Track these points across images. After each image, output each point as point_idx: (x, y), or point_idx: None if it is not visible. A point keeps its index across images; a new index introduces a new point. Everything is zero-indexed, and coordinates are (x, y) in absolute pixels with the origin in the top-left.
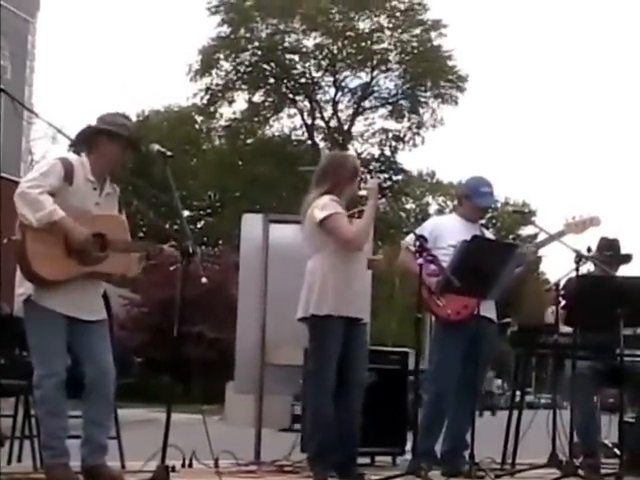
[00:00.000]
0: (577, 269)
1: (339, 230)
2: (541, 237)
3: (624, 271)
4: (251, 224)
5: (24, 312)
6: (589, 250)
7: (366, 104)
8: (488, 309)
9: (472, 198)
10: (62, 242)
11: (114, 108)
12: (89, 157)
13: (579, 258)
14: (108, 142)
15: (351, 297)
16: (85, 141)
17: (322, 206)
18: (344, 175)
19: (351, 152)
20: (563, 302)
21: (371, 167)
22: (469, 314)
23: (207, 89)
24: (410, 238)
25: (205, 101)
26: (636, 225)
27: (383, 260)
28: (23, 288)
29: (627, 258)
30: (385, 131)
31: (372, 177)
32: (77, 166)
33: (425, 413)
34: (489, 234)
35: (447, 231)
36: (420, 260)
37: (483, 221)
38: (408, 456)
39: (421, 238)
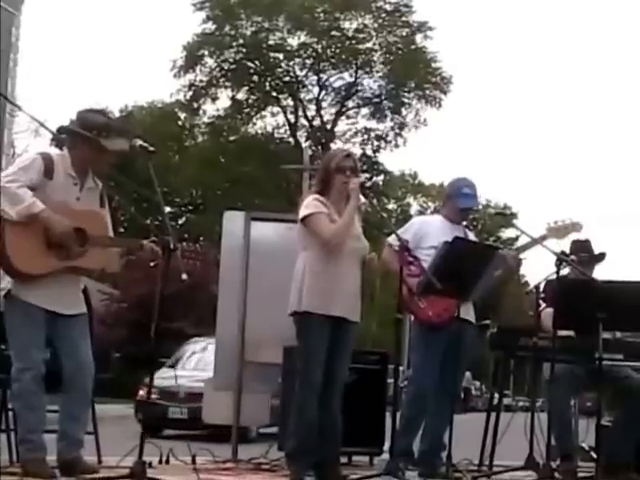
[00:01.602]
0: (558, 272)
1: (317, 229)
2: (522, 240)
3: (602, 273)
4: (233, 221)
5: (4, 306)
6: (564, 254)
7: (349, 104)
8: (467, 311)
9: (453, 199)
10: (42, 236)
11: (98, 102)
12: (70, 153)
13: (560, 261)
14: (82, 143)
15: (336, 296)
16: (66, 137)
17: (305, 205)
18: (329, 170)
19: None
20: (543, 305)
21: None
22: (450, 316)
23: (191, 85)
24: (393, 238)
25: (188, 97)
26: (610, 227)
27: (375, 259)
28: (3, 283)
29: (601, 257)
30: (368, 131)
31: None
32: (57, 161)
33: (404, 413)
34: (472, 236)
35: (431, 231)
36: (400, 261)
37: (465, 222)
38: (385, 456)
39: (402, 239)
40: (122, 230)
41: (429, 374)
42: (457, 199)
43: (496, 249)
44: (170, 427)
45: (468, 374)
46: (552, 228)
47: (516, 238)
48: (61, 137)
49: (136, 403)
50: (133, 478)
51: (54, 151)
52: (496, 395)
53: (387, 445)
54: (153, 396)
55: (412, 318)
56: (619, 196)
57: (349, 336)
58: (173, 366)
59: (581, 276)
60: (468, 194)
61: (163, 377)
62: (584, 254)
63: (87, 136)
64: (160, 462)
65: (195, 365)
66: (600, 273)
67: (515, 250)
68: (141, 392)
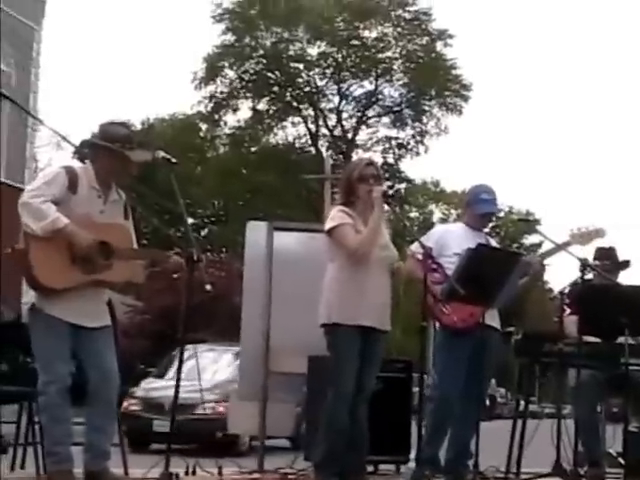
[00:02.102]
0: (582, 278)
1: (343, 240)
2: (545, 247)
3: (627, 279)
4: (255, 232)
5: (28, 320)
6: (584, 261)
7: (370, 113)
8: (492, 317)
9: (472, 205)
10: (66, 250)
11: (119, 116)
12: (92, 166)
13: (584, 267)
14: (106, 156)
15: (364, 306)
16: (88, 151)
17: (331, 218)
18: (352, 181)
19: (365, 156)
20: (567, 310)
21: None
22: (475, 322)
23: (211, 97)
24: (416, 246)
25: (209, 109)
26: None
27: (402, 268)
28: (28, 297)
29: (625, 264)
30: (389, 139)
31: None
32: (81, 174)
33: (429, 420)
34: (494, 243)
35: (453, 239)
36: (423, 269)
37: (487, 230)
38: (412, 464)
39: (426, 246)
40: (145, 242)
41: (454, 380)
42: (476, 205)
43: (519, 255)
44: (155, 441)
45: (493, 381)
46: (575, 234)
47: (539, 244)
48: (84, 151)
49: (120, 415)
50: None
51: (77, 164)
52: (522, 402)
53: (413, 453)
54: (136, 408)
55: (437, 325)
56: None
57: (379, 346)
58: (161, 376)
59: (605, 281)
60: (487, 200)
61: (148, 388)
62: (608, 262)
63: (111, 148)
64: (187, 473)
65: (185, 375)
66: (623, 278)
67: (539, 256)
68: (125, 403)
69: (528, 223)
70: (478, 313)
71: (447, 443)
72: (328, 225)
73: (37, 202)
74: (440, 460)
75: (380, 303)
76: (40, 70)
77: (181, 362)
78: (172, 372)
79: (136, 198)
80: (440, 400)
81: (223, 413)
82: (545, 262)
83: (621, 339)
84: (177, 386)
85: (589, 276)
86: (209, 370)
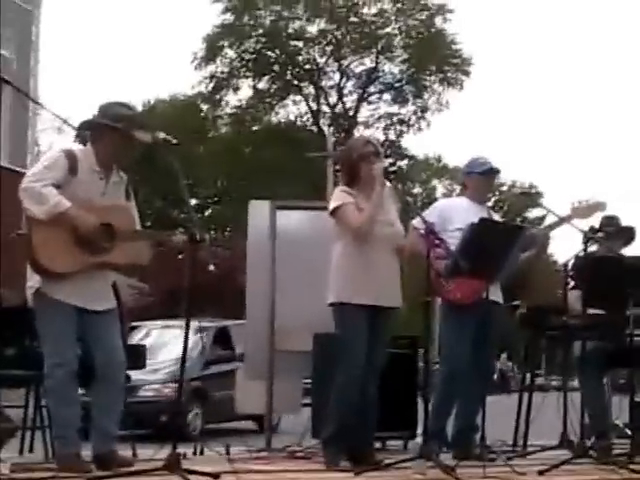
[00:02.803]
0: (585, 249)
1: (346, 219)
2: (548, 220)
3: (631, 250)
4: (258, 211)
5: (34, 304)
6: (593, 230)
7: (371, 89)
8: (494, 292)
9: (472, 171)
10: (69, 233)
11: (120, 97)
12: (93, 147)
13: (587, 239)
14: (109, 135)
15: (371, 284)
16: (89, 132)
17: (334, 197)
18: (352, 161)
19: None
20: (572, 283)
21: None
22: (478, 297)
23: (212, 77)
24: (418, 221)
25: (210, 89)
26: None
27: (406, 246)
28: (32, 281)
29: (629, 231)
30: (390, 116)
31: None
32: (81, 157)
33: (436, 395)
34: (497, 217)
35: (456, 213)
36: (427, 244)
37: (490, 204)
38: (419, 440)
39: (428, 222)
40: (148, 224)
41: (459, 356)
42: (476, 169)
43: (522, 228)
44: None
45: (503, 356)
46: (576, 208)
47: (542, 218)
48: (84, 132)
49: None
50: (168, 470)
51: (77, 147)
52: (528, 375)
53: (420, 429)
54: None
55: (440, 301)
56: None
57: (387, 323)
58: None
59: (609, 252)
60: (485, 162)
61: None
62: (611, 228)
63: (114, 127)
64: (194, 453)
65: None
66: (628, 249)
67: (543, 229)
68: None
69: (531, 197)
70: (481, 288)
71: (454, 417)
72: (331, 206)
73: (38, 186)
74: (447, 435)
75: (388, 280)
76: (40, 53)
77: (186, 341)
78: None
79: (138, 180)
80: (446, 375)
81: (169, 396)
82: (549, 235)
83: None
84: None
85: (593, 248)
86: (162, 349)
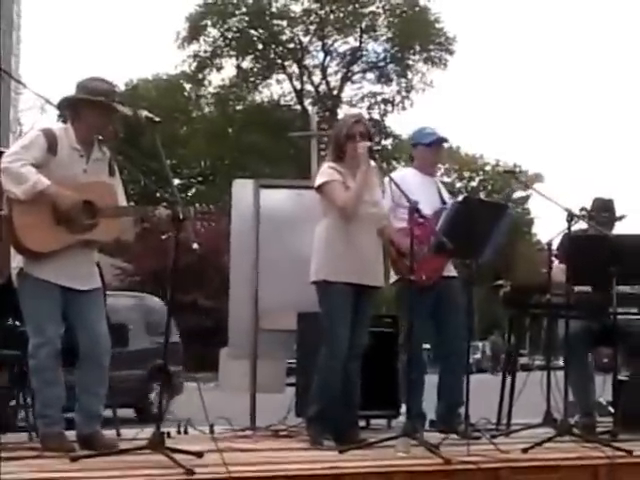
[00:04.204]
0: (569, 228)
1: (332, 197)
2: (533, 200)
3: (618, 229)
4: (242, 190)
5: (17, 284)
6: (583, 210)
7: (355, 68)
8: (448, 268)
9: (419, 142)
10: (50, 212)
11: (102, 76)
12: (73, 125)
13: (571, 217)
14: (89, 110)
15: (354, 263)
16: (67, 109)
17: (321, 173)
18: (340, 137)
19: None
20: (556, 262)
21: None
22: (438, 276)
23: (195, 56)
24: (391, 206)
25: (193, 68)
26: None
27: (388, 228)
28: (15, 261)
29: (622, 219)
30: (374, 95)
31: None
32: (61, 135)
33: (403, 378)
34: (444, 190)
35: (410, 188)
36: (409, 222)
37: (474, 184)
38: (403, 418)
39: (411, 200)
40: (132, 204)
41: (421, 336)
42: (423, 139)
43: (506, 207)
44: None
45: (493, 337)
46: (517, 182)
47: (527, 197)
48: (64, 110)
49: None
50: (152, 449)
51: (57, 125)
52: (512, 354)
53: (404, 408)
54: None
55: (394, 281)
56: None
57: (370, 302)
58: None
59: (596, 231)
60: (431, 132)
61: None
62: (605, 214)
63: (93, 100)
64: (179, 432)
65: None
66: (619, 229)
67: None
68: None
69: (514, 175)
70: (442, 268)
71: (437, 397)
72: (317, 181)
73: (16, 166)
74: (425, 413)
75: (371, 259)
76: (21, 32)
77: (168, 325)
78: None
79: (124, 160)
80: (410, 358)
81: None
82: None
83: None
84: None
85: (583, 226)
86: None
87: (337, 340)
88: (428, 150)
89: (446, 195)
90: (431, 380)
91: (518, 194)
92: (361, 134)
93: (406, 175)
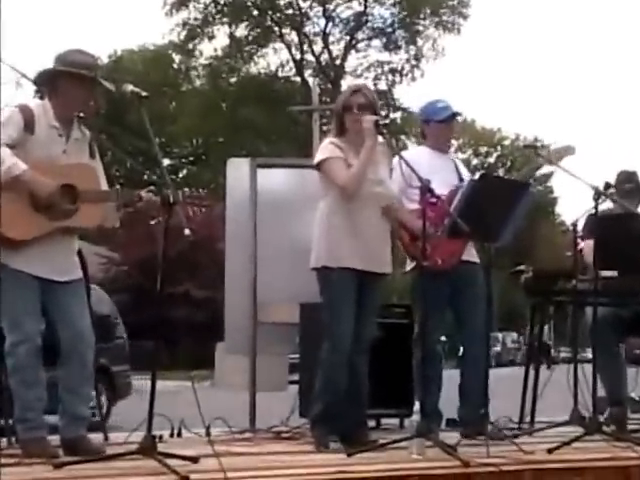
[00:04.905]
0: (596, 207)
1: (332, 175)
2: (556, 176)
3: None
4: (237, 170)
5: None
6: (608, 186)
7: (359, 36)
8: (468, 251)
9: (433, 117)
10: (27, 198)
11: (83, 47)
12: (51, 101)
13: (598, 195)
14: (69, 84)
15: (357, 247)
16: (45, 84)
17: (320, 149)
18: (338, 109)
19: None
20: (582, 244)
21: None
22: (456, 260)
23: (184, 24)
24: (401, 187)
25: (183, 38)
26: None
27: (394, 208)
28: None
29: None
30: (381, 64)
31: (370, 113)
32: (38, 113)
33: (417, 371)
34: (463, 166)
35: (417, 167)
36: (421, 203)
37: (492, 160)
38: (416, 417)
39: (423, 179)
40: (118, 186)
41: (437, 325)
42: (436, 115)
43: (527, 185)
44: None
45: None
46: (544, 154)
47: (550, 174)
48: (41, 85)
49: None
50: (143, 454)
51: (34, 102)
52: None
53: (417, 405)
54: None
55: (410, 266)
56: None
57: (376, 290)
58: None
59: (624, 210)
60: (444, 106)
61: None
62: (628, 184)
63: (72, 73)
64: (172, 435)
65: None
66: None
67: (518, 176)
68: None
69: (535, 150)
70: (460, 251)
71: (458, 394)
72: (317, 158)
73: None
74: (441, 412)
75: (376, 243)
76: None
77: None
78: None
79: (107, 139)
80: (426, 350)
81: None
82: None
83: None
84: None
85: (608, 205)
86: None
87: (339, 332)
88: (442, 126)
89: (465, 173)
90: (446, 375)
91: (541, 171)
92: (360, 106)
93: (419, 154)
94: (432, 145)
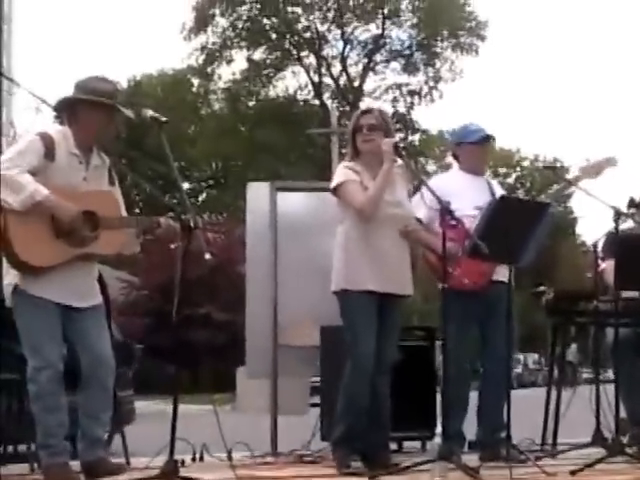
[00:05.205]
0: (616, 228)
1: (348, 198)
2: (556, 186)
3: None
4: (257, 194)
5: (12, 302)
6: (632, 201)
7: (377, 58)
8: (499, 271)
9: (465, 140)
10: (48, 224)
11: (102, 73)
12: (71, 128)
13: (618, 215)
14: (89, 111)
15: (376, 270)
16: (65, 111)
17: (336, 174)
18: (350, 132)
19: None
20: (602, 265)
21: None
22: (487, 281)
23: (203, 48)
24: (424, 210)
25: (201, 62)
26: None
27: (413, 230)
28: (10, 277)
29: None
30: (399, 86)
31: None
32: (58, 140)
33: (444, 392)
34: (497, 187)
35: (451, 191)
36: (441, 225)
37: (511, 180)
38: (438, 440)
39: (443, 201)
40: (137, 211)
41: (466, 347)
42: (469, 137)
43: (548, 205)
44: None
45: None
46: (584, 167)
47: (570, 195)
48: (62, 112)
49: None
50: (165, 478)
51: (54, 128)
52: (556, 367)
53: (440, 428)
54: None
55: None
56: None
57: (396, 312)
58: None
59: None
60: (477, 129)
61: None
62: None
63: (93, 101)
64: (194, 460)
65: None
66: None
67: (549, 197)
68: None
69: (555, 171)
70: (490, 271)
71: (477, 417)
72: (333, 183)
73: (13, 174)
74: (464, 434)
75: (396, 265)
76: (13, 26)
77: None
78: None
79: (127, 164)
80: (455, 370)
81: None
82: (575, 214)
83: None
84: None
85: (629, 225)
86: None
87: (361, 354)
88: (474, 148)
89: (500, 192)
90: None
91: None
92: (370, 126)
93: (449, 176)
94: (465, 167)
